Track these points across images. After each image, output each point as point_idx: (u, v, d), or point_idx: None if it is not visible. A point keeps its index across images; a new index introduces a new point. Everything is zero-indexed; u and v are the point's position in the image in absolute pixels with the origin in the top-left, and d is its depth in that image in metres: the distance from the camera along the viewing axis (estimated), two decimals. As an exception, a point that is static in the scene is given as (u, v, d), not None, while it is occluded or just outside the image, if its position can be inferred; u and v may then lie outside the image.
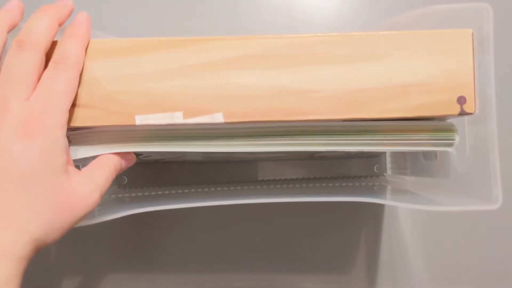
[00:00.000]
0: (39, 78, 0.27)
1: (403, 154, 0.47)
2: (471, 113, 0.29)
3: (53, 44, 0.28)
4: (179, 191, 0.43)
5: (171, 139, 0.31)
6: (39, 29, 0.27)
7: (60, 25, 0.29)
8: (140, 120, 0.29)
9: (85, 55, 0.29)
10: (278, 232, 0.52)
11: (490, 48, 0.29)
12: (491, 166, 0.30)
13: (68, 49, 0.28)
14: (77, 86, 0.28)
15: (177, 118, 0.29)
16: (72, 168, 0.29)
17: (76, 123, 0.29)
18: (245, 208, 0.51)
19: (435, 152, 0.38)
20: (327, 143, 0.31)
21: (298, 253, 0.52)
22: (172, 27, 0.53)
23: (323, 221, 0.52)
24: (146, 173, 0.51)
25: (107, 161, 0.30)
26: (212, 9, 0.53)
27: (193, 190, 0.44)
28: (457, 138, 0.31)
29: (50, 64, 0.27)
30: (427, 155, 0.40)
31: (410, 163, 0.45)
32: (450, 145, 0.31)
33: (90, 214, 0.29)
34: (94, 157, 0.30)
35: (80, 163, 0.31)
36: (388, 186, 0.45)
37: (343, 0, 0.53)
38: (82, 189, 0.28)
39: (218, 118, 0.29)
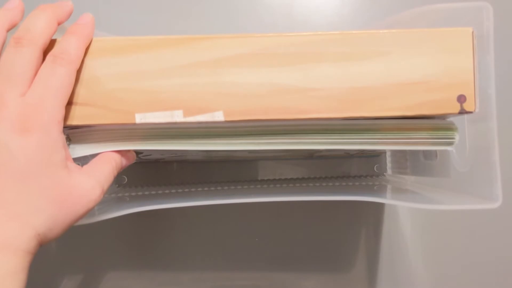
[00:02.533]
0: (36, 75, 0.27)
1: (403, 153, 0.47)
2: (471, 112, 0.29)
3: (52, 42, 0.28)
4: (179, 190, 0.43)
5: (171, 138, 0.31)
6: (37, 26, 0.27)
7: (59, 24, 0.29)
8: (140, 118, 0.29)
9: (85, 54, 0.29)
10: (278, 232, 0.52)
11: (490, 46, 0.29)
12: (491, 165, 0.30)
13: (68, 45, 0.28)
14: (73, 82, 0.28)
15: (177, 116, 0.29)
16: (72, 165, 0.29)
17: (76, 121, 0.29)
18: (245, 208, 0.51)
19: (435, 151, 0.38)
20: (327, 142, 0.31)
21: (298, 253, 0.52)
22: (171, 27, 0.53)
23: (323, 221, 0.52)
24: (146, 173, 0.51)
25: (108, 158, 0.30)
26: (212, 9, 0.53)
27: (193, 190, 0.44)
28: (457, 136, 0.31)
29: (48, 57, 0.27)
30: (427, 154, 0.40)
31: (410, 162, 0.45)
32: (450, 144, 0.31)
33: (90, 212, 0.29)
34: (95, 156, 0.31)
35: (81, 162, 0.31)
36: (388, 186, 0.45)
37: (344, 1, 0.53)
38: (84, 185, 0.28)
39: (218, 116, 0.29)
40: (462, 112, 0.29)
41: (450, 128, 0.31)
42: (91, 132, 0.31)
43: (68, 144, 0.30)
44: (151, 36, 0.29)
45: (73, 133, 0.31)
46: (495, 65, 0.30)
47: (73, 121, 0.29)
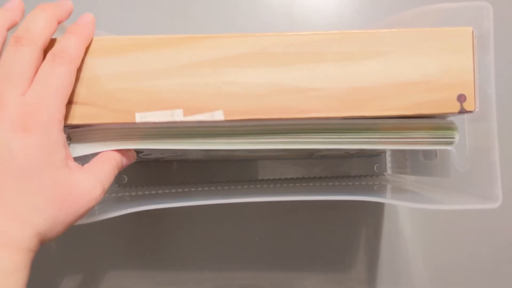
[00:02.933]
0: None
1: (403, 153, 0.47)
2: (471, 111, 0.29)
3: (52, 41, 0.28)
4: (179, 190, 0.43)
5: (171, 137, 0.31)
6: (37, 25, 0.27)
7: (59, 23, 0.29)
8: (140, 117, 0.29)
9: (85, 54, 0.29)
10: (278, 231, 0.52)
11: (490, 46, 0.29)
12: (491, 165, 0.30)
13: (68, 44, 0.28)
14: (73, 81, 0.28)
15: (177, 116, 0.29)
16: (73, 163, 0.29)
17: (76, 120, 0.29)
18: (245, 207, 0.51)
19: (435, 151, 0.38)
20: (327, 141, 0.31)
21: (298, 253, 0.51)
22: (171, 27, 0.53)
23: (323, 221, 0.52)
24: (147, 172, 0.51)
25: (108, 157, 0.30)
26: (212, 9, 0.53)
27: (193, 189, 0.44)
28: (457, 136, 0.31)
29: (48, 56, 0.27)
30: (427, 154, 0.40)
31: (410, 162, 0.45)
32: (450, 143, 0.31)
33: (90, 212, 0.29)
34: (95, 155, 0.31)
35: (81, 161, 0.31)
36: (388, 185, 0.45)
37: (344, 1, 0.53)
38: (85, 184, 0.28)
39: (218, 116, 0.29)
40: (462, 111, 0.29)
41: (450, 127, 0.31)
42: (92, 131, 0.31)
43: (69, 143, 0.31)
44: (151, 35, 0.29)
45: (73, 132, 0.31)
46: (495, 65, 0.30)
47: (74, 120, 0.29)
